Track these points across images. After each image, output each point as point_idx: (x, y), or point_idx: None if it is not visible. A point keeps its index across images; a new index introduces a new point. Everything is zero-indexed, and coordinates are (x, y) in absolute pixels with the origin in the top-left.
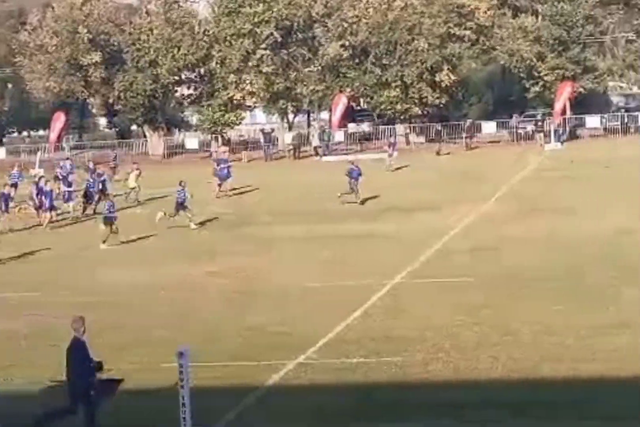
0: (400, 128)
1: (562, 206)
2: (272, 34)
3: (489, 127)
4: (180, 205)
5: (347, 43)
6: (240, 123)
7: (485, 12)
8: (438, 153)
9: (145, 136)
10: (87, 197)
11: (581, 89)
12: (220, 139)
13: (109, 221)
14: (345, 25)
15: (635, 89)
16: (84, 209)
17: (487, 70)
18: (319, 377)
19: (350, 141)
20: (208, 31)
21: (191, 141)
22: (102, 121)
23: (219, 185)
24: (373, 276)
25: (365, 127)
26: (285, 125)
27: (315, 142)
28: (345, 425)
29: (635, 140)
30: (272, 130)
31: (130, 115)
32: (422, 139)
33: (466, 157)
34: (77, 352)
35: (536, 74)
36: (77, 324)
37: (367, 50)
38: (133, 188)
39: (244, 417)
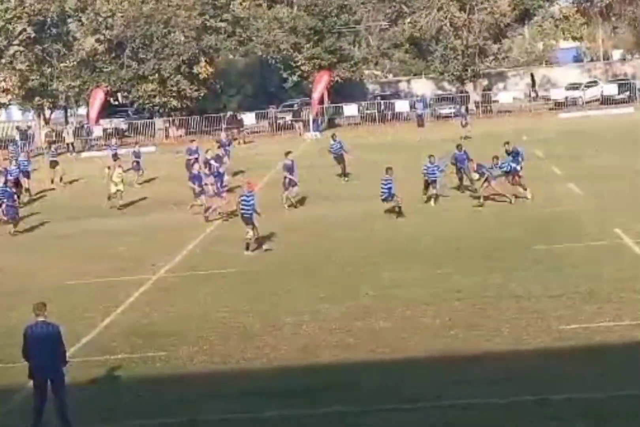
0: (159, 122)
1: (322, 193)
2: (25, 30)
3: (248, 118)
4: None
5: (102, 37)
6: None
7: (241, 4)
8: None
9: None
10: None
11: (338, 78)
12: None
13: None
14: (100, 19)
15: (390, 77)
16: None
17: (245, 62)
18: (82, 374)
19: (110, 136)
20: None
21: None
22: None
23: None
24: (136, 271)
25: (123, 121)
26: (42, 122)
27: (69, 138)
28: (113, 421)
29: (391, 127)
30: (29, 127)
31: None
32: (181, 132)
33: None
34: (59, 337)
35: (293, 64)
36: (41, 310)
37: (123, 44)
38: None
39: (12, 416)
